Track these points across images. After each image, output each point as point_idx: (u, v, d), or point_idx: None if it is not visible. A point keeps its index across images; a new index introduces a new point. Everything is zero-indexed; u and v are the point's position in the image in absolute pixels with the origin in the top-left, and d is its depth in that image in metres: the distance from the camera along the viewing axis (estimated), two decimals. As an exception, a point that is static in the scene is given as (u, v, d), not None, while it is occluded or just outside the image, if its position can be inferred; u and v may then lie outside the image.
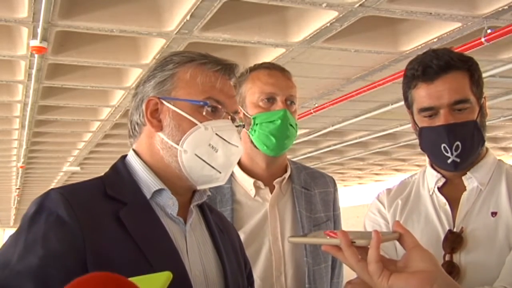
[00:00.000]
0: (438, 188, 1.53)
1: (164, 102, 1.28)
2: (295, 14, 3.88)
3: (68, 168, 11.17)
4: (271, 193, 1.86)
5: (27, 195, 15.10)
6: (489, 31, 3.76)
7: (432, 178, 1.54)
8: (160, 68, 1.32)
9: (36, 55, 4.13)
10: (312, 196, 1.90)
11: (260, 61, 4.66)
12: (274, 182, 1.87)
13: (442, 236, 1.45)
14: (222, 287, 1.29)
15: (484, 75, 1.55)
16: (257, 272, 1.77)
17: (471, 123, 1.44)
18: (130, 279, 0.91)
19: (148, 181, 1.26)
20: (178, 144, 1.25)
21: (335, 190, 2.00)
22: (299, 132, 7.62)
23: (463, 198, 1.47)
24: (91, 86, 5.37)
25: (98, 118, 6.87)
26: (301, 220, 1.83)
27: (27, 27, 3.74)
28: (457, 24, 3.84)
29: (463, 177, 1.49)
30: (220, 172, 1.26)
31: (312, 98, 6.02)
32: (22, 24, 3.69)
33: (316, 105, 6.13)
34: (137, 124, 1.32)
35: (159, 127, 1.28)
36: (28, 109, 6.09)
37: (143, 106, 1.29)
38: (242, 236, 1.79)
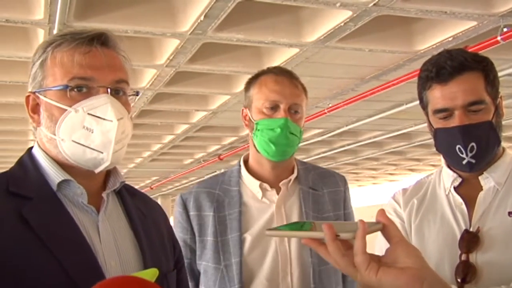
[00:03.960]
0: (454, 188, 1.52)
1: (39, 95, 1.24)
2: (309, 14, 3.88)
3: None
4: (278, 194, 1.87)
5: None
6: (505, 29, 3.73)
7: (448, 178, 1.54)
8: (33, 61, 1.27)
9: (51, 57, 4.17)
10: (320, 196, 1.91)
11: (274, 61, 4.69)
12: (280, 184, 1.88)
13: (458, 236, 1.44)
14: None
15: (500, 74, 1.54)
16: (263, 273, 1.79)
17: (486, 123, 1.43)
18: None
19: (51, 173, 1.21)
20: (55, 134, 1.20)
21: (346, 189, 2.01)
22: (313, 132, 7.61)
23: (479, 198, 1.47)
24: (106, 87, 5.40)
25: (112, 118, 6.89)
26: (307, 220, 1.83)
27: (43, 29, 3.77)
28: (473, 23, 3.82)
29: (479, 177, 1.48)
30: (102, 152, 1.20)
31: (326, 98, 6.00)
32: (38, 25, 3.72)
33: (330, 105, 6.12)
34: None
35: (39, 122, 1.25)
36: (44, 109, 6.13)
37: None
38: (249, 238, 1.81)
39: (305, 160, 2.08)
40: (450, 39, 4.08)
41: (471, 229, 1.44)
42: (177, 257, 1.43)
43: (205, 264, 1.84)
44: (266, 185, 1.88)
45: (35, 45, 4.19)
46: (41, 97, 1.23)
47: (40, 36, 3.96)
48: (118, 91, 1.24)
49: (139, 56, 4.45)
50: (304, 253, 1.81)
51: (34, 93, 1.25)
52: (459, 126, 1.41)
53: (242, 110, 1.93)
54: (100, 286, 0.85)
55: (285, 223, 1.84)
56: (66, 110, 1.19)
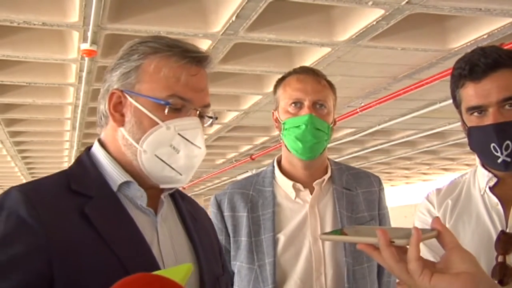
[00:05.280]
0: (489, 188, 1.49)
1: (127, 96, 1.20)
2: (341, 13, 3.86)
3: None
4: (312, 194, 1.87)
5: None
6: (542, 26, 3.65)
7: (483, 177, 1.51)
8: (126, 58, 1.23)
9: (86, 58, 4.24)
10: (354, 196, 1.90)
11: (305, 61, 4.68)
12: (314, 184, 1.88)
13: (494, 237, 1.41)
14: (197, 277, 1.24)
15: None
16: (297, 273, 1.79)
17: None
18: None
19: (113, 174, 1.20)
20: (138, 143, 1.18)
21: (381, 189, 1.99)
22: (345, 131, 7.55)
23: (516, 198, 1.44)
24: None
25: (146, 119, 6.98)
26: (341, 220, 1.83)
27: (78, 31, 3.85)
28: (509, 19, 3.74)
29: (515, 177, 1.45)
30: (181, 174, 1.20)
31: (358, 97, 5.96)
32: (73, 28, 3.79)
33: (362, 104, 6.08)
34: (103, 114, 1.25)
35: (121, 122, 1.21)
36: (79, 111, 6.25)
37: (107, 98, 1.22)
38: (282, 238, 1.81)
39: (337, 160, 2.07)
40: (485, 36, 4.01)
41: (507, 230, 1.41)
42: (223, 262, 1.44)
43: (239, 264, 1.85)
44: (299, 185, 1.88)
45: (70, 48, 4.27)
46: (131, 99, 1.20)
47: (75, 39, 4.04)
48: (202, 116, 1.24)
49: (172, 57, 4.47)
50: (338, 253, 1.80)
51: (122, 91, 1.21)
52: (493, 124, 1.39)
53: (273, 113, 1.94)
54: (123, 282, 0.86)
55: (319, 223, 1.83)
56: (157, 124, 1.18)
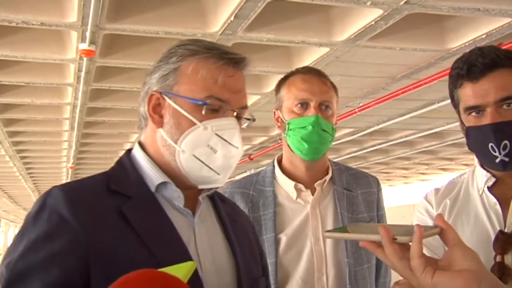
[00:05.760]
0: (488, 187, 1.49)
1: (166, 98, 1.23)
2: (339, 13, 3.87)
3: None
4: (313, 195, 1.87)
5: (76, 194, 15.44)
6: (541, 26, 3.66)
7: (481, 177, 1.51)
8: (165, 60, 1.25)
9: (84, 58, 4.24)
10: (354, 197, 1.91)
11: (304, 61, 4.68)
12: (316, 184, 1.88)
13: (493, 237, 1.42)
14: (234, 278, 1.25)
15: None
16: (299, 273, 1.79)
17: None
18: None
19: (151, 175, 1.22)
20: (176, 143, 1.20)
21: (379, 190, 2.00)
22: (344, 131, 7.56)
23: (514, 198, 1.44)
24: (138, 88, 5.44)
25: (144, 119, 6.97)
26: (343, 221, 1.84)
27: (76, 31, 3.84)
28: (507, 20, 3.75)
29: (514, 177, 1.45)
30: (218, 174, 1.22)
31: (357, 97, 5.97)
32: (71, 28, 3.79)
33: (361, 104, 6.08)
34: (143, 116, 1.28)
35: (160, 123, 1.23)
36: (77, 111, 6.25)
37: (146, 100, 1.25)
38: (284, 239, 1.81)
39: (335, 160, 2.08)
40: (483, 36, 4.01)
41: (505, 230, 1.41)
42: (263, 265, 1.44)
43: None
44: (301, 186, 1.88)
45: (68, 48, 4.27)
46: (169, 101, 1.22)
47: (73, 39, 4.04)
48: (240, 117, 1.27)
49: (170, 57, 4.47)
50: (339, 253, 1.81)
51: (160, 93, 1.24)
52: (491, 124, 1.39)
53: (274, 112, 1.94)
54: (127, 278, 0.87)
55: (320, 223, 1.84)
56: (195, 124, 1.20)
